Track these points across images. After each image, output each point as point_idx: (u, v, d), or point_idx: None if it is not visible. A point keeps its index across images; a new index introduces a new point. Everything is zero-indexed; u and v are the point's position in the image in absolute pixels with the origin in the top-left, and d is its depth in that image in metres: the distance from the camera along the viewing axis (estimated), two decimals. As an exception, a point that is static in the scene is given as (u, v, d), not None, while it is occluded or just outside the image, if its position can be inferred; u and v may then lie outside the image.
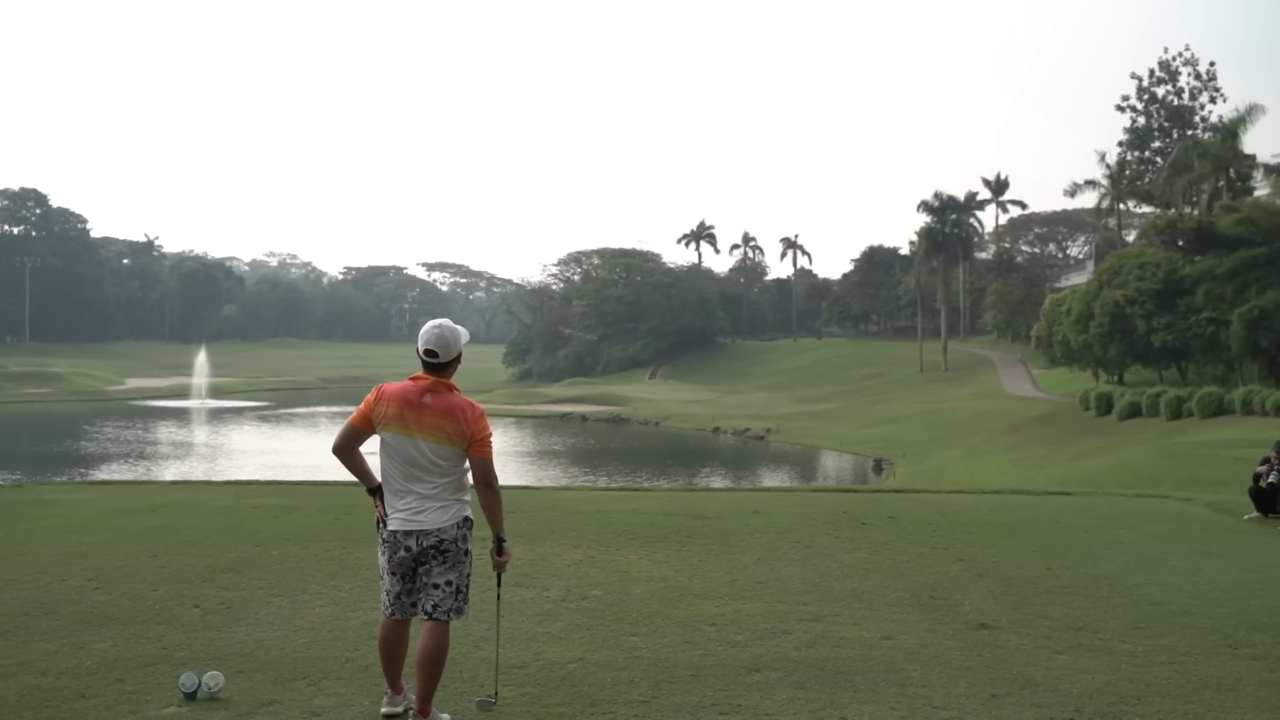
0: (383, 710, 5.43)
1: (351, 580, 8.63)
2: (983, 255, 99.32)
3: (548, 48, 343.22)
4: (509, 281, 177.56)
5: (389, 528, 5.29)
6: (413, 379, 5.31)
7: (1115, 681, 6.17)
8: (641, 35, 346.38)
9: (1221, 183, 56.63)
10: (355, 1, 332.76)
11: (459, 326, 5.47)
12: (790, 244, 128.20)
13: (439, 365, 5.29)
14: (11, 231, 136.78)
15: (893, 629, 7.30)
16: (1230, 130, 58.38)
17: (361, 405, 5.38)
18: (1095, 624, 7.52)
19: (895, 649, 6.80)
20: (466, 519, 5.34)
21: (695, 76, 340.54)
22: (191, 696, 5.59)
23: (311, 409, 77.35)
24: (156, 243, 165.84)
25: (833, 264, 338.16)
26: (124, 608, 7.61)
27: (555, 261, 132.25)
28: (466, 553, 5.34)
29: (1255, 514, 13.53)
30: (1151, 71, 79.57)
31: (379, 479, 5.39)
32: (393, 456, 5.26)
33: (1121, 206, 77.28)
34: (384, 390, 5.33)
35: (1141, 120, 79.57)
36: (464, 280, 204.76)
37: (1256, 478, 13.65)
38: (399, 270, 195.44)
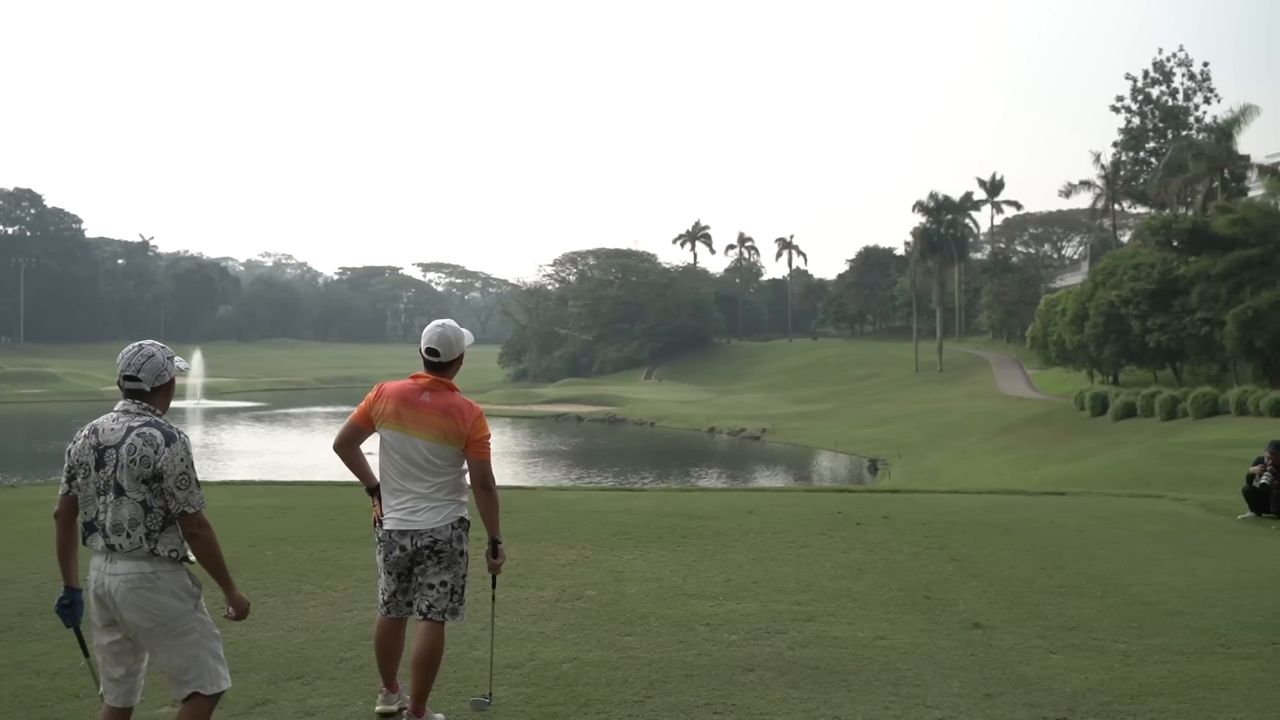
0: (377, 708, 5.44)
1: (346, 580, 8.63)
2: (978, 256, 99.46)
3: (544, 48, 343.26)
4: (504, 282, 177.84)
5: (384, 527, 5.29)
6: (413, 377, 5.34)
7: (1108, 681, 6.18)
8: (637, 36, 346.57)
9: (1216, 183, 56.74)
10: (351, 1, 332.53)
11: (462, 328, 5.49)
12: (785, 244, 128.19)
13: (440, 365, 5.32)
14: (6, 232, 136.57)
15: (887, 629, 7.31)
16: (1224, 131, 58.47)
17: (362, 403, 5.40)
18: (1089, 624, 7.53)
19: (889, 649, 6.81)
20: (462, 520, 5.32)
21: (691, 77, 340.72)
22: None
23: (307, 409, 77.28)
24: (151, 243, 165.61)
25: (828, 264, 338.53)
26: (118, 608, 7.59)
27: (551, 262, 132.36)
28: (462, 554, 5.32)
29: (1249, 514, 13.56)
30: (1146, 72, 79.64)
31: (378, 478, 5.39)
32: (390, 455, 5.26)
33: (1116, 207, 77.40)
34: (384, 388, 5.36)
35: (1136, 121, 79.61)
36: (459, 280, 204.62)
37: (1250, 478, 13.69)
38: (394, 270, 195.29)
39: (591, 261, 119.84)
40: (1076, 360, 54.70)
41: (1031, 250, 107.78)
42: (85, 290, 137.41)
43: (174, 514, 4.11)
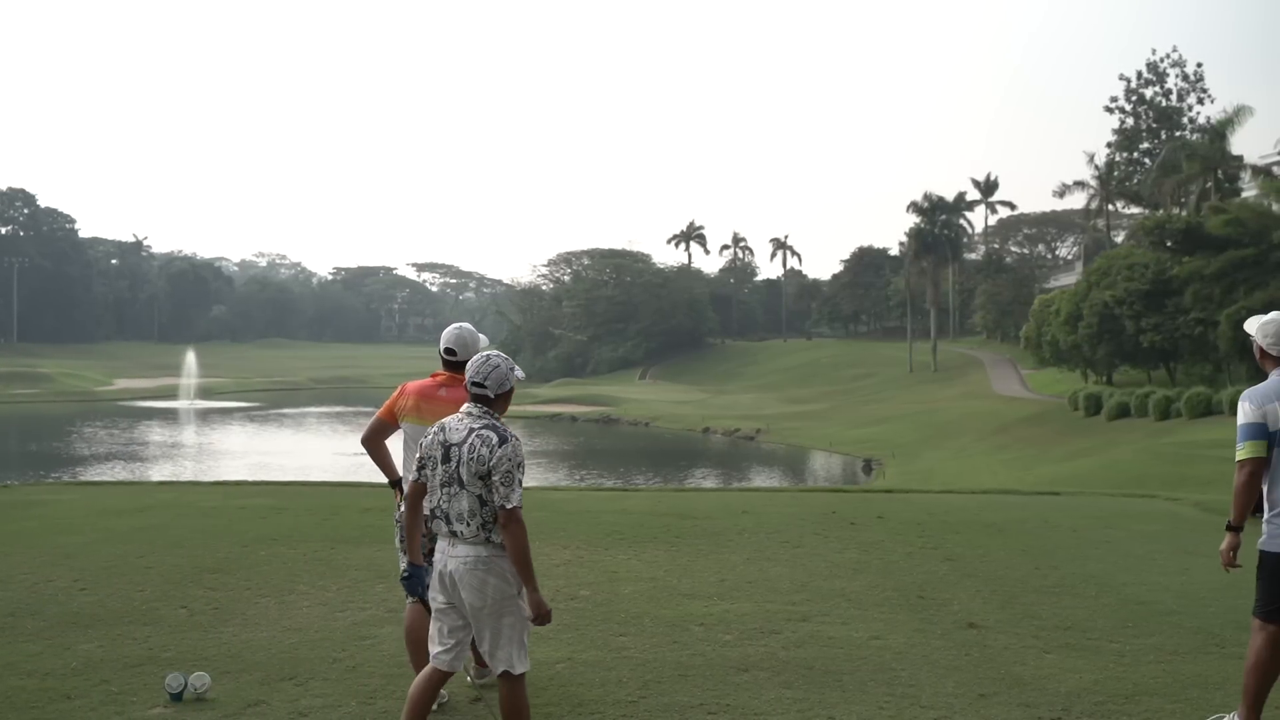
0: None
1: (339, 581, 8.61)
2: (972, 256, 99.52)
3: (538, 48, 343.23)
4: (499, 282, 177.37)
5: (403, 510, 5.49)
6: (433, 376, 5.86)
7: (1103, 680, 6.18)
8: (632, 36, 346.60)
9: (1209, 184, 56.79)
10: (346, 1, 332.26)
11: (479, 333, 5.96)
12: (780, 244, 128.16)
13: (457, 363, 5.74)
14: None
15: (881, 629, 7.30)
16: (1218, 131, 58.56)
17: (387, 400, 5.90)
18: (1083, 623, 7.53)
19: (884, 648, 6.80)
20: None
21: (685, 77, 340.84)
22: (177, 697, 5.58)
23: (301, 409, 77.14)
24: (145, 243, 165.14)
25: (822, 264, 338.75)
26: (110, 609, 7.58)
27: (545, 262, 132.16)
28: None
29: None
30: (1140, 73, 79.81)
31: (401, 472, 5.80)
32: (410, 447, 5.68)
33: (1110, 207, 77.49)
34: (406, 387, 5.90)
35: (1130, 121, 79.76)
36: (454, 281, 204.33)
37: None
38: (388, 271, 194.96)
39: (586, 261, 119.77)
40: (1070, 360, 54.75)
41: (1025, 250, 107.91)
42: (79, 290, 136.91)
43: (496, 506, 4.56)
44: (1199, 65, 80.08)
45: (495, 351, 4.87)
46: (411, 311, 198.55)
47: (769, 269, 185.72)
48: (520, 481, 4.62)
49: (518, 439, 4.67)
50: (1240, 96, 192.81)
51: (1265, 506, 5.28)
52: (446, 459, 4.64)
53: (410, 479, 4.81)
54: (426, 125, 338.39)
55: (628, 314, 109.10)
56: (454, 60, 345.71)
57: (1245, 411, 5.23)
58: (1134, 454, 31.78)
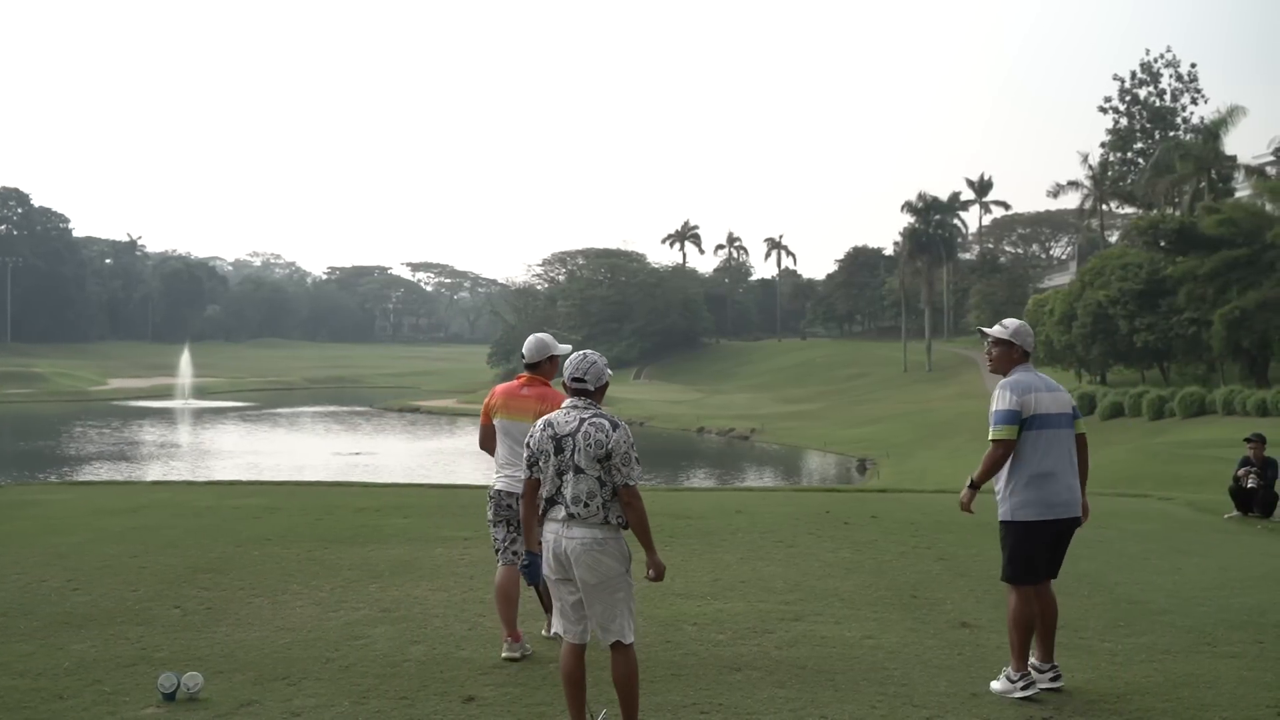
0: (503, 655, 6.46)
1: (332, 581, 8.60)
2: (966, 256, 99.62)
3: (533, 47, 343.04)
4: (493, 281, 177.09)
5: (496, 488, 6.67)
6: (516, 378, 6.80)
7: (1095, 680, 6.19)
8: (627, 35, 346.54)
9: (1203, 184, 56.92)
10: (341, 1, 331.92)
11: (560, 343, 6.86)
12: (775, 244, 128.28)
13: (531, 365, 6.73)
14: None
15: (874, 628, 7.31)
16: (1211, 132, 58.67)
17: (482, 407, 6.88)
18: (1075, 623, 7.53)
19: (877, 648, 6.81)
20: None
21: (680, 76, 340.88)
22: (170, 697, 5.57)
23: (295, 409, 77.04)
24: (139, 242, 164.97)
25: (817, 264, 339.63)
26: (103, 608, 7.58)
27: (540, 261, 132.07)
28: None
29: (1235, 513, 13.61)
30: (1133, 73, 79.98)
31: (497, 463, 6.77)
32: (502, 437, 6.68)
33: (1104, 207, 77.59)
34: (495, 390, 6.88)
35: (1124, 121, 79.91)
36: (448, 280, 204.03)
37: (1237, 479, 13.72)
38: (383, 270, 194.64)
39: (580, 261, 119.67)
40: (1064, 360, 54.85)
41: (1020, 250, 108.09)
42: (72, 290, 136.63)
43: (617, 485, 5.00)
44: (1193, 65, 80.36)
45: (590, 350, 5.32)
46: (406, 311, 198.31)
47: (764, 269, 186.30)
48: (637, 460, 5.06)
49: (625, 425, 5.12)
50: (1234, 97, 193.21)
51: (1004, 482, 6.13)
52: (559, 450, 5.05)
53: (523, 475, 5.25)
54: (422, 125, 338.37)
55: (622, 314, 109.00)
56: (449, 60, 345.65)
57: (1006, 399, 6.01)
58: (1127, 454, 31.84)
